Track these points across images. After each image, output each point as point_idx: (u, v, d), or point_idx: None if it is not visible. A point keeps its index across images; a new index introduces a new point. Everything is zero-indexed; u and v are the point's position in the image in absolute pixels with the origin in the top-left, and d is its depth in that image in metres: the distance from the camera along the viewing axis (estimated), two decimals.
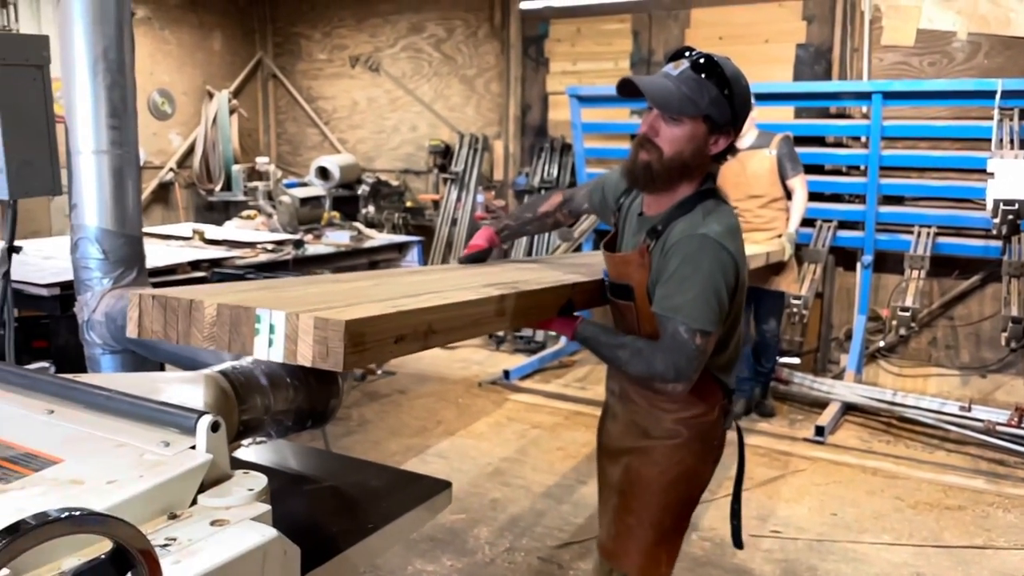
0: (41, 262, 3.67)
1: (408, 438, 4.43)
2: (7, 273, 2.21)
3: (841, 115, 5.39)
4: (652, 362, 1.75)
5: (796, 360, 5.36)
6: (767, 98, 5.13)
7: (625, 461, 1.98)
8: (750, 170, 4.44)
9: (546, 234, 6.19)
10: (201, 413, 1.21)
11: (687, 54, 1.78)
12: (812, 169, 5.09)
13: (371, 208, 7.02)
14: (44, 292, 3.28)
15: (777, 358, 4.82)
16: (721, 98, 1.73)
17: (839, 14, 5.37)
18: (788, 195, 4.49)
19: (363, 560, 1.56)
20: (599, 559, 2.07)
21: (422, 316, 1.44)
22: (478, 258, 2.24)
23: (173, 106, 7.21)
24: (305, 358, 1.27)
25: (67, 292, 3.26)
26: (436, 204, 7.12)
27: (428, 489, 1.77)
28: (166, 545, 1.03)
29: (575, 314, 1.95)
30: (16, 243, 2.25)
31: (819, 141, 5.34)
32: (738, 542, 2.11)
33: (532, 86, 6.69)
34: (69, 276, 3.27)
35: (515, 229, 2.33)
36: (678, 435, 1.90)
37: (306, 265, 4.61)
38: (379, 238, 5.35)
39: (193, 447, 1.20)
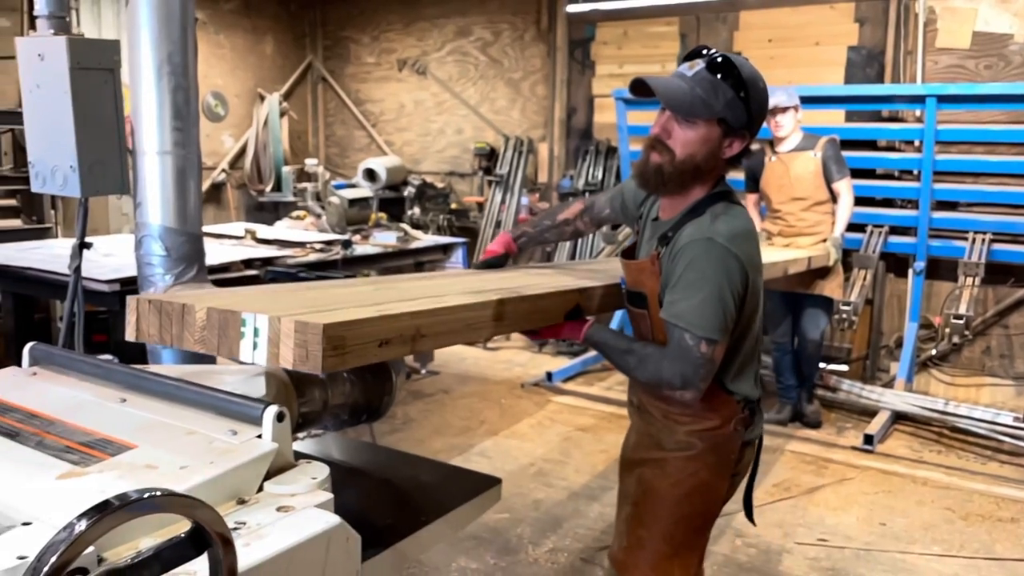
0: (101, 259, 3.80)
1: (452, 437, 4.48)
2: (78, 268, 2.30)
3: (894, 119, 5.30)
4: (659, 369, 1.72)
5: (844, 367, 5.28)
6: (817, 101, 5.07)
7: (638, 472, 1.94)
8: (794, 172, 4.39)
9: (591, 237, 6.19)
10: (267, 403, 1.26)
11: (703, 53, 1.73)
12: (863, 173, 5.02)
13: (416, 210, 7.09)
14: (105, 288, 3.40)
15: (821, 365, 4.72)
16: (737, 100, 1.69)
17: (892, 16, 5.28)
18: (835, 199, 4.41)
19: (415, 552, 1.60)
20: (609, 569, 2.02)
21: (409, 320, 1.43)
22: (494, 264, 2.22)
23: (226, 108, 7.38)
24: (287, 361, 1.29)
25: (127, 288, 3.37)
26: (480, 206, 7.17)
27: (478, 485, 1.80)
28: (236, 529, 1.08)
29: (588, 318, 1.93)
30: (86, 239, 2.33)
31: (871, 145, 5.26)
32: (750, 515, 2.06)
33: (578, 89, 6.70)
34: (129, 272, 3.39)
35: (533, 236, 2.30)
36: (691, 447, 1.85)
37: (354, 265, 4.68)
38: (425, 239, 5.41)
39: (259, 436, 1.25)
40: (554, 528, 3.44)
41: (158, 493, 0.89)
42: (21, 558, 0.91)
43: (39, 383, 1.52)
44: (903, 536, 3.42)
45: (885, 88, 5.20)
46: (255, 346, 1.31)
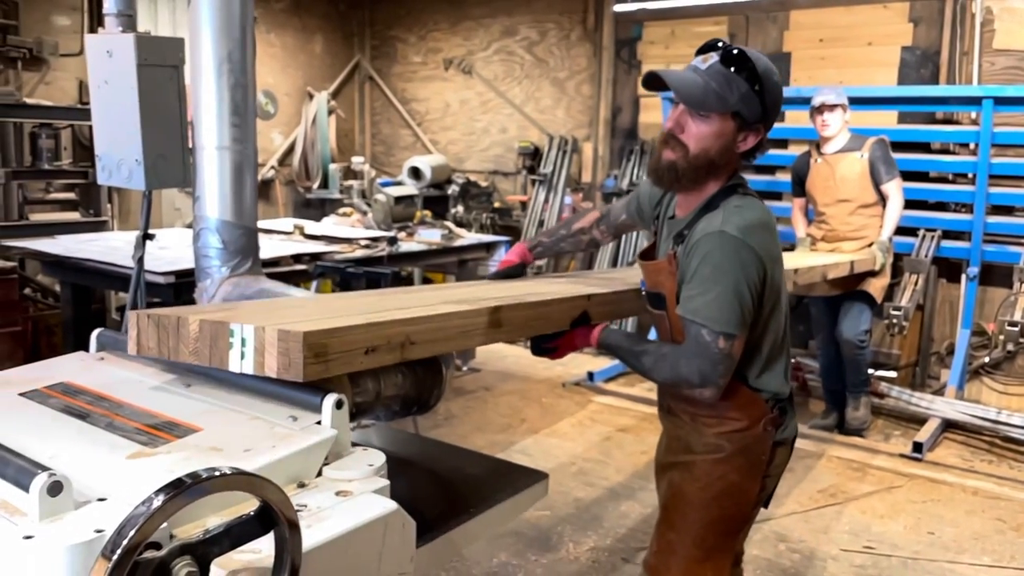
0: (157, 251, 3.90)
1: (493, 434, 4.50)
2: (141, 258, 2.37)
3: (948, 121, 5.19)
4: (676, 367, 1.69)
5: (892, 374, 5.18)
6: (869, 102, 4.99)
7: (669, 476, 1.92)
8: (839, 174, 4.29)
9: (635, 237, 6.17)
10: (327, 391, 1.29)
11: (717, 47, 1.70)
12: (916, 176, 4.92)
13: (460, 208, 7.14)
14: (161, 280, 3.49)
15: (868, 372, 4.54)
16: (751, 94, 1.66)
17: (948, 16, 5.17)
18: (884, 201, 4.29)
19: (464, 542, 1.62)
20: (642, 571, 1.99)
21: (398, 328, 1.44)
22: (510, 274, 2.20)
23: (276, 106, 7.51)
24: (272, 369, 1.30)
25: (182, 280, 3.46)
26: (524, 205, 7.19)
27: (525, 478, 1.82)
28: (297, 511, 1.11)
29: (599, 323, 1.90)
30: (149, 231, 2.40)
31: (924, 147, 5.15)
32: (765, 503, 1.98)
33: (623, 88, 6.68)
34: (184, 265, 3.49)
35: (548, 246, 2.27)
36: (720, 450, 1.81)
37: (399, 261, 4.74)
38: (468, 237, 5.44)
39: (319, 422, 1.29)
40: (595, 527, 3.44)
41: (228, 472, 0.93)
42: (98, 531, 0.96)
43: (107, 367, 1.58)
44: (952, 546, 3.35)
45: (940, 89, 5.09)
46: (243, 356, 1.33)
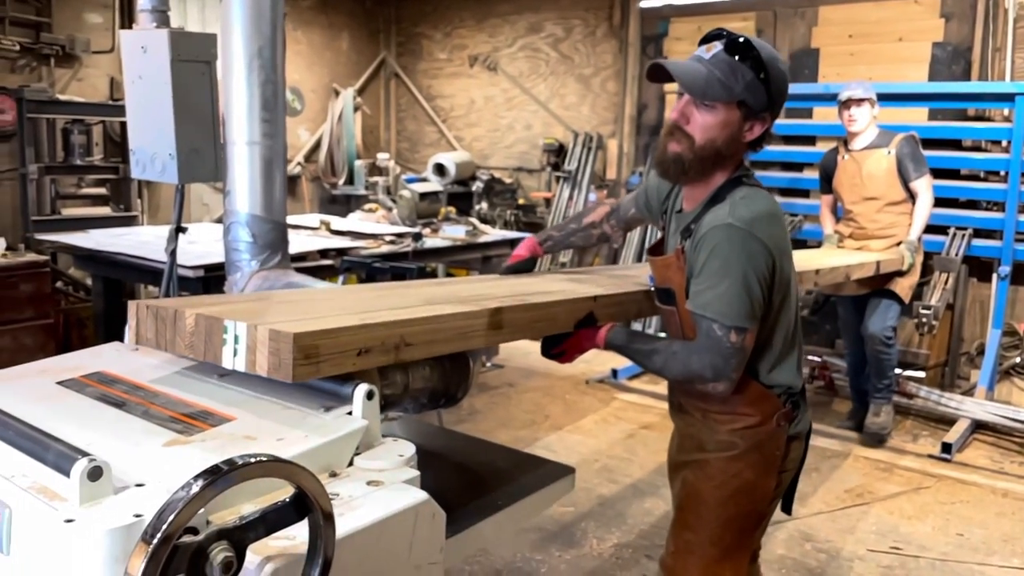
0: (187, 246, 3.94)
1: (516, 430, 4.51)
2: (174, 251, 2.40)
3: (980, 117, 5.11)
4: (688, 363, 1.67)
5: (921, 374, 5.12)
6: (900, 98, 4.93)
7: (682, 475, 1.90)
8: (866, 171, 4.22)
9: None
10: (358, 382, 1.30)
11: (721, 35, 1.68)
12: (947, 174, 4.86)
13: (484, 204, 7.16)
14: (190, 273, 3.53)
15: (893, 375, 4.40)
16: (756, 82, 1.64)
17: (980, 11, 5.09)
18: (913, 199, 4.21)
19: (491, 535, 1.63)
20: (658, 571, 1.97)
21: (392, 329, 1.41)
22: (520, 268, 2.18)
23: (302, 103, 7.57)
24: (263, 368, 1.29)
25: (211, 274, 3.51)
26: (548, 202, 7.19)
27: (552, 473, 1.82)
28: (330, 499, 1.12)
29: (607, 323, 1.86)
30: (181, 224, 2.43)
31: (955, 144, 5.08)
32: (787, 509, 1.96)
33: (649, 85, 6.64)
34: (213, 259, 3.53)
35: (558, 240, 2.24)
36: (733, 447, 1.79)
37: (424, 257, 4.76)
38: (492, 234, 5.45)
39: (350, 413, 1.30)
40: (619, 524, 3.44)
41: (265, 458, 0.94)
42: (137, 516, 0.97)
43: (141, 357, 1.60)
44: (981, 548, 3.31)
45: (972, 86, 5.02)
46: (235, 352, 1.33)
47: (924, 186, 4.17)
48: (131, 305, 1.52)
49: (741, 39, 1.66)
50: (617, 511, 3.56)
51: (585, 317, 1.83)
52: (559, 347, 1.87)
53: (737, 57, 1.64)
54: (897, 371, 4.70)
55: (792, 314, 1.79)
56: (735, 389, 1.71)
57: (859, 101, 4.18)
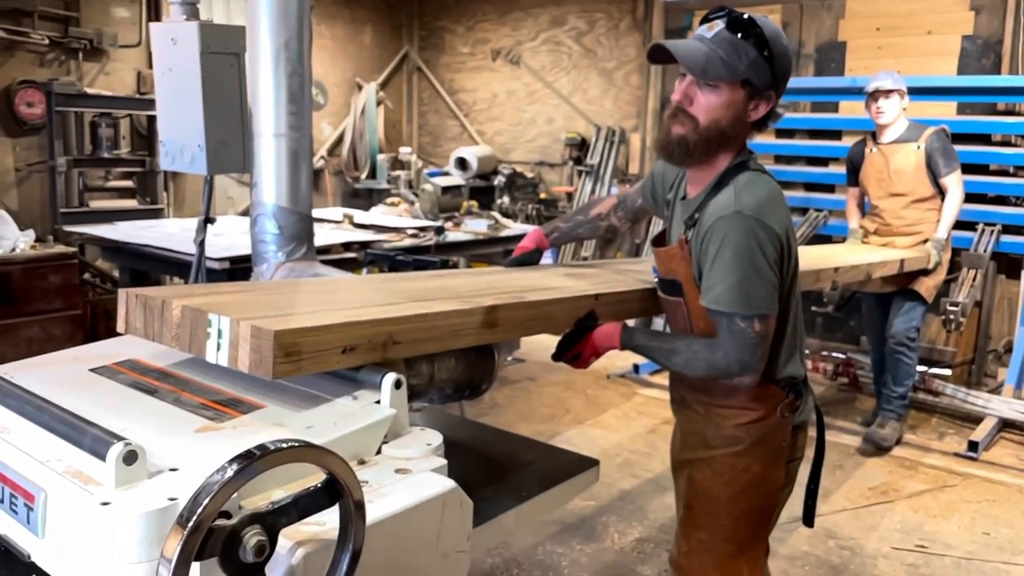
0: (212, 238, 3.95)
1: (538, 424, 4.52)
2: (202, 242, 2.43)
3: (1010, 112, 5.03)
4: (713, 361, 1.63)
5: (946, 371, 5.06)
6: (928, 92, 4.87)
7: (687, 472, 1.87)
8: (893, 165, 4.13)
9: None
10: (386, 371, 1.31)
11: (722, 13, 1.64)
12: (976, 169, 4.79)
13: (506, 199, 7.15)
14: (216, 265, 3.57)
15: (909, 385, 4.28)
16: (760, 60, 1.60)
17: (1011, 4, 5.00)
18: (942, 194, 4.10)
19: (515, 526, 1.64)
20: (670, 571, 1.94)
21: (379, 327, 1.37)
22: (525, 261, 2.14)
23: (326, 97, 7.60)
24: (244, 364, 1.27)
25: (237, 266, 3.54)
26: (569, 196, 7.18)
27: (576, 465, 1.83)
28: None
29: (622, 322, 1.80)
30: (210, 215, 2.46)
31: (984, 139, 5.01)
32: (809, 521, 1.95)
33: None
34: (238, 251, 3.56)
35: (565, 232, 2.20)
36: (739, 442, 1.76)
37: (446, 250, 4.76)
38: (514, 228, 5.45)
39: (378, 402, 1.31)
40: (639, 518, 3.44)
41: (297, 444, 0.95)
42: (172, 499, 0.99)
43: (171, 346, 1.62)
44: (1007, 547, 3.27)
45: (1002, 80, 4.94)
46: (219, 347, 1.31)
47: (954, 182, 4.06)
48: (121, 293, 1.50)
49: (744, 16, 1.62)
50: (638, 505, 3.55)
51: (586, 316, 1.77)
52: (572, 351, 1.81)
53: (739, 35, 1.60)
54: (922, 368, 4.66)
55: (797, 302, 1.77)
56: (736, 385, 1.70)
57: (887, 92, 4.07)
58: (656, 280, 1.87)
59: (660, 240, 1.88)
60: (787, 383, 1.76)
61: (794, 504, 1.93)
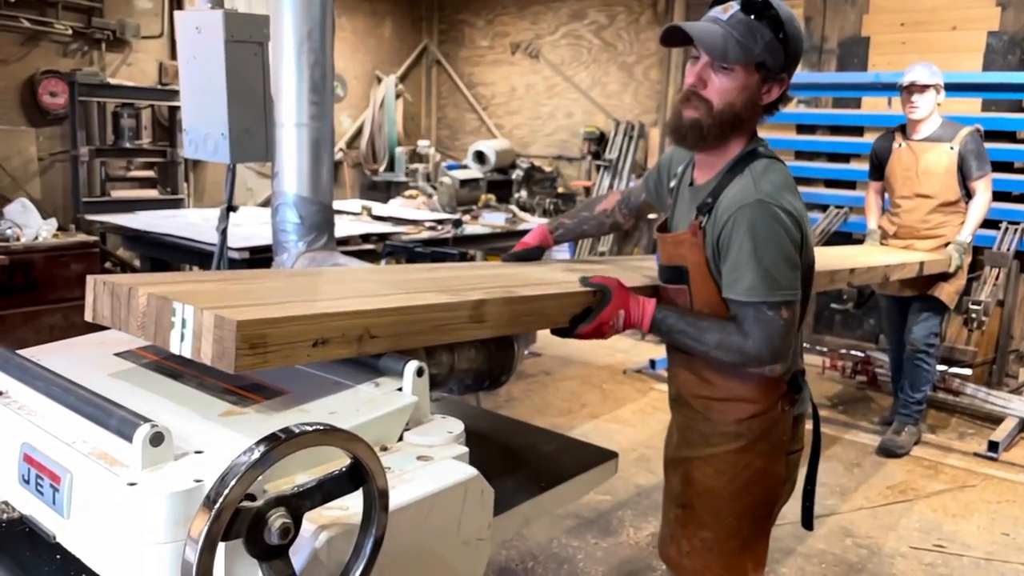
0: (232, 228, 3.98)
1: (554, 417, 4.51)
2: (225, 230, 2.45)
3: None
4: (744, 348, 1.59)
5: (967, 371, 5.01)
6: (952, 89, 4.77)
7: (685, 471, 1.83)
8: (923, 165, 3.95)
9: None
10: (409, 359, 1.31)
11: None
12: (1000, 167, 4.71)
13: (523, 192, 7.16)
14: (236, 255, 3.59)
15: (926, 392, 4.20)
16: (775, 42, 1.58)
17: None
18: (968, 196, 3.97)
19: (535, 515, 1.64)
20: (667, 570, 1.91)
21: (354, 319, 1.29)
22: (525, 257, 2.10)
23: (345, 89, 7.62)
24: (207, 356, 1.20)
25: (256, 256, 3.56)
26: (588, 191, 7.16)
27: (595, 457, 1.83)
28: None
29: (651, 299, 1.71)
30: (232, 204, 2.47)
31: (1009, 136, 4.94)
32: (808, 524, 1.92)
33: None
34: (258, 241, 3.58)
35: (571, 228, 2.15)
36: (740, 437, 1.74)
37: (464, 243, 4.77)
38: (531, 221, 5.44)
39: (400, 389, 1.31)
40: (655, 513, 3.42)
41: (322, 427, 0.96)
42: (198, 481, 1.00)
43: None
44: None
45: None
46: (183, 337, 1.24)
47: (984, 185, 3.91)
48: (88, 280, 1.43)
49: None
50: (654, 501, 3.54)
51: (582, 312, 1.67)
52: (588, 324, 1.66)
53: (754, 16, 1.57)
54: (942, 368, 4.60)
55: (808, 292, 1.74)
56: (739, 377, 1.69)
57: (922, 88, 3.89)
58: (659, 266, 1.83)
59: (663, 227, 1.84)
60: (787, 376, 1.75)
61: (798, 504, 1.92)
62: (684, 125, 1.64)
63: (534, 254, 2.12)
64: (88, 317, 1.43)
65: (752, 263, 1.56)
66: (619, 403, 4.81)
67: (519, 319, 1.59)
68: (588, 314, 1.66)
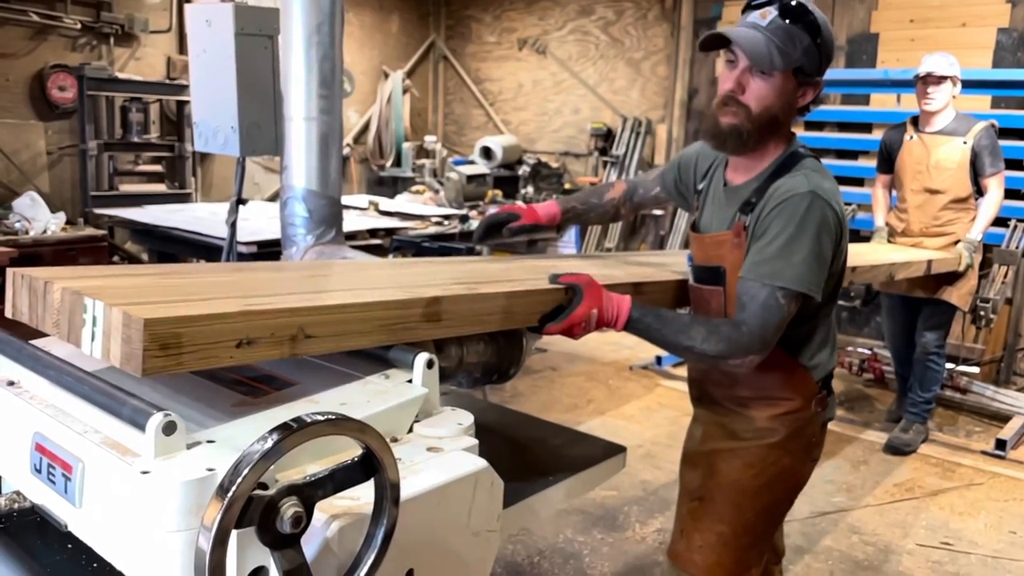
0: (240, 222, 4.01)
1: (560, 413, 4.52)
2: (234, 223, 2.45)
3: None
4: (734, 338, 1.55)
5: (975, 369, 4.99)
6: (962, 85, 4.77)
7: (709, 465, 1.82)
8: (935, 159, 3.86)
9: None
10: (419, 351, 1.32)
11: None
12: (1010, 164, 4.67)
13: (530, 188, 7.15)
14: (243, 249, 3.60)
15: (935, 392, 4.17)
16: (812, 47, 1.59)
17: None
18: (980, 193, 3.90)
19: (543, 509, 1.64)
20: (670, 567, 1.88)
21: (286, 318, 1.18)
22: (504, 220, 1.97)
23: (352, 85, 7.62)
24: (116, 357, 1.09)
25: (264, 250, 3.57)
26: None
27: (603, 451, 1.83)
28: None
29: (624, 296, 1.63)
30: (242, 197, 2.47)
31: (1018, 134, 4.92)
32: None
33: (701, 69, 6.56)
34: (265, 236, 3.59)
35: (580, 212, 2.11)
36: (773, 434, 1.73)
37: (471, 239, 4.77)
38: None
39: (410, 381, 1.31)
40: (662, 509, 3.43)
41: (333, 416, 0.96)
42: (210, 469, 1.00)
43: None
44: None
45: None
46: (93, 336, 1.13)
47: (996, 183, 3.84)
48: (8, 273, 1.33)
49: (794, 2, 1.60)
50: (660, 497, 3.55)
51: (552, 311, 1.58)
52: (558, 324, 1.57)
53: (789, 21, 1.59)
54: (950, 365, 4.58)
55: (836, 294, 1.76)
56: (777, 371, 1.68)
57: (939, 79, 3.79)
58: (690, 268, 1.83)
59: (695, 227, 1.84)
60: (821, 375, 1.75)
61: (816, 499, 1.92)
62: (723, 131, 1.65)
63: (528, 229, 1.99)
64: (8, 314, 1.33)
65: (787, 249, 1.56)
66: (625, 399, 4.81)
67: (480, 318, 1.48)
68: (559, 313, 1.57)
